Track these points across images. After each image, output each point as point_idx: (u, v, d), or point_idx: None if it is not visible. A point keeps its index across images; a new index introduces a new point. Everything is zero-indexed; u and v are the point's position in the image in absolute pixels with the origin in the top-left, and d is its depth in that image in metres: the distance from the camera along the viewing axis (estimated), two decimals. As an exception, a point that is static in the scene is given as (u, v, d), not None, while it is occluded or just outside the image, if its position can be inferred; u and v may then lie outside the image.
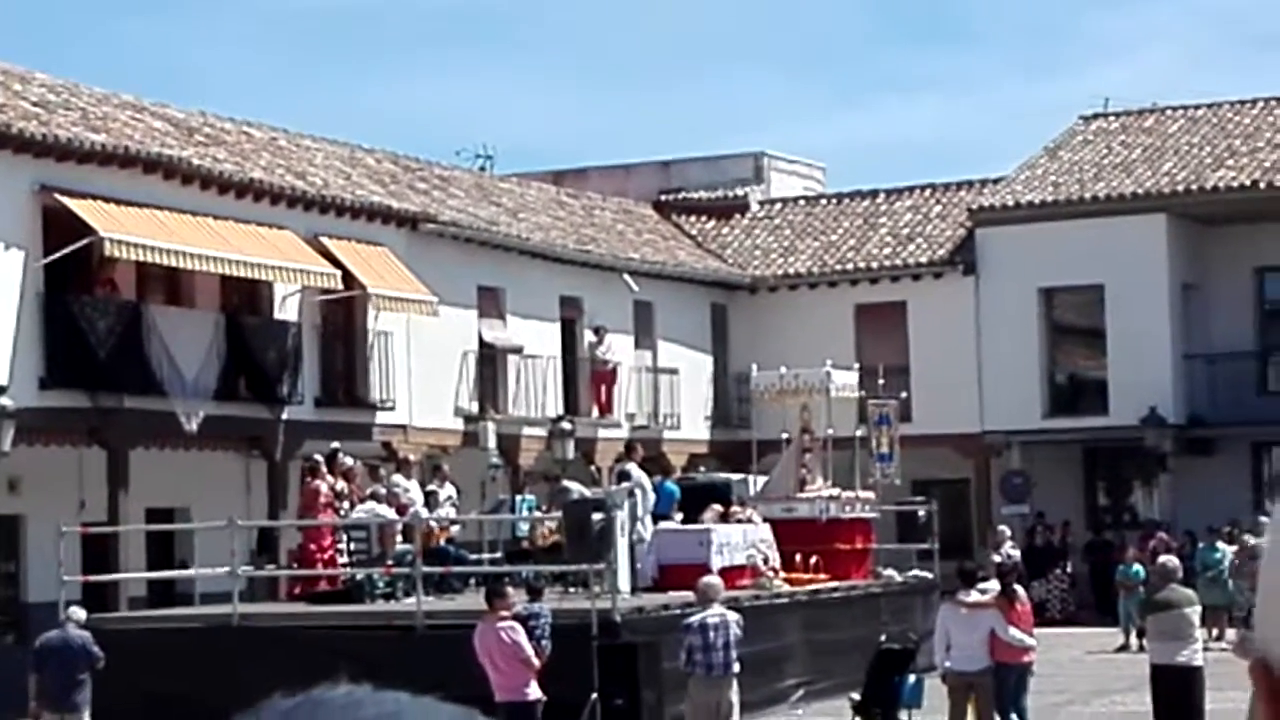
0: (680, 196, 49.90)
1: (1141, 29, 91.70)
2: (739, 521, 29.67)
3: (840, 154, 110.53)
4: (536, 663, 19.06)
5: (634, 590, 25.80)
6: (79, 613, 21.24)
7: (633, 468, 28.86)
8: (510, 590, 20.46)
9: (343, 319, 35.17)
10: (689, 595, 21.15)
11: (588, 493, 28.69)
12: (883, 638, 23.75)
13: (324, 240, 33.77)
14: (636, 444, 33.08)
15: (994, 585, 20.50)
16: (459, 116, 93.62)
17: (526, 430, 38.52)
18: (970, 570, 20.91)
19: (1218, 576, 35.49)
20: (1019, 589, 20.99)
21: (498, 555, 29.01)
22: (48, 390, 28.72)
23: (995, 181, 46.18)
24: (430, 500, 28.72)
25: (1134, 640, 34.81)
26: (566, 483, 29.46)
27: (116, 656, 21.52)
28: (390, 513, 27.72)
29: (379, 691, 1.44)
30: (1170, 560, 20.88)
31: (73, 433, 29.65)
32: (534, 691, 18.91)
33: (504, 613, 19.33)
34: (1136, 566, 35.58)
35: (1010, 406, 42.90)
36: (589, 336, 41.35)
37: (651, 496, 28.64)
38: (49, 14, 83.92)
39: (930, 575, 32.08)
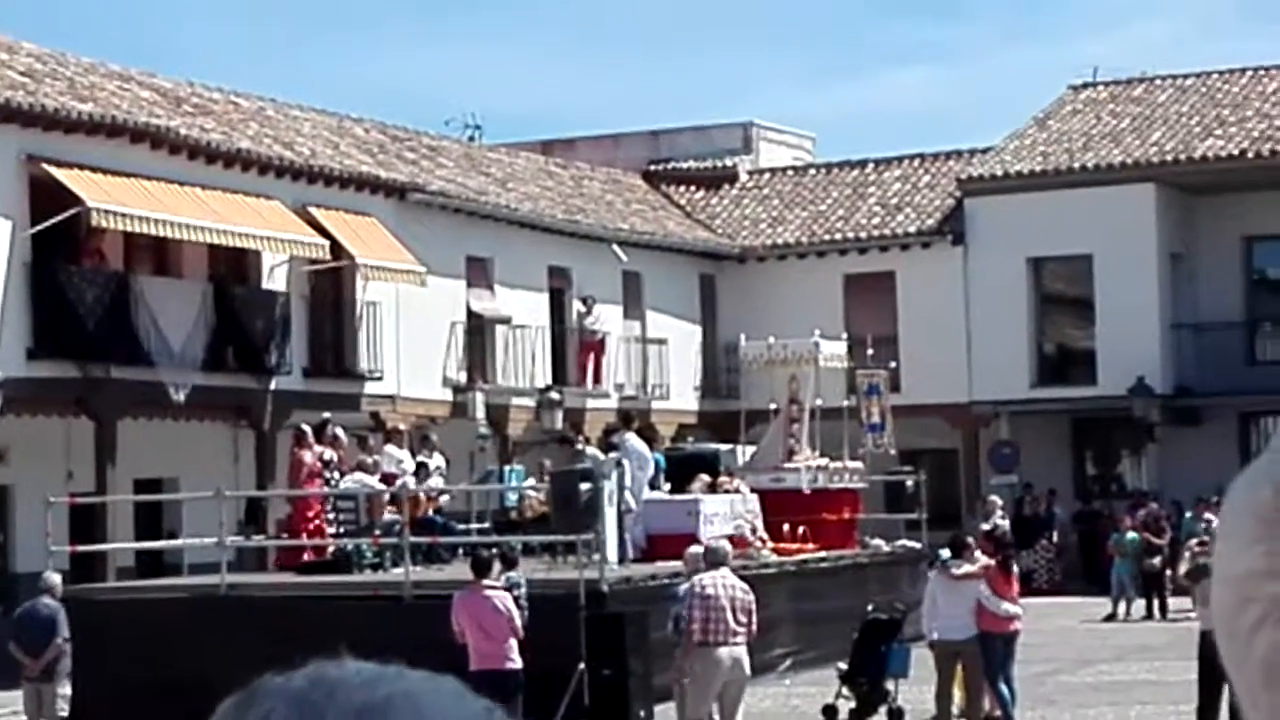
0: (669, 166, 49.81)
1: (1127, 2, 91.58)
2: (727, 492, 29.68)
3: (829, 124, 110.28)
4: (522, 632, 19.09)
5: (622, 560, 25.79)
6: (53, 579, 20.85)
7: (631, 437, 28.67)
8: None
9: (331, 289, 35.11)
10: (677, 565, 21.16)
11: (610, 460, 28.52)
12: (870, 607, 23.74)
13: (312, 210, 33.70)
14: (633, 414, 32.97)
15: (980, 557, 20.53)
16: (447, 86, 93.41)
17: (515, 400, 38.51)
18: (962, 541, 20.93)
19: (1203, 547, 35.63)
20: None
21: (486, 525, 28.98)
22: (35, 360, 28.67)
23: (984, 151, 46.12)
24: (420, 471, 28.66)
25: (1122, 609, 34.89)
26: (584, 448, 29.19)
27: (104, 626, 21.51)
28: (378, 483, 27.67)
29: (387, 667, 1.41)
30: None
31: (60, 403, 29.62)
32: (517, 660, 18.92)
33: (491, 582, 19.35)
34: (1131, 534, 35.73)
35: (999, 376, 42.90)
36: (577, 306, 41.30)
37: (650, 467, 28.50)
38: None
39: (918, 545, 32.12)
